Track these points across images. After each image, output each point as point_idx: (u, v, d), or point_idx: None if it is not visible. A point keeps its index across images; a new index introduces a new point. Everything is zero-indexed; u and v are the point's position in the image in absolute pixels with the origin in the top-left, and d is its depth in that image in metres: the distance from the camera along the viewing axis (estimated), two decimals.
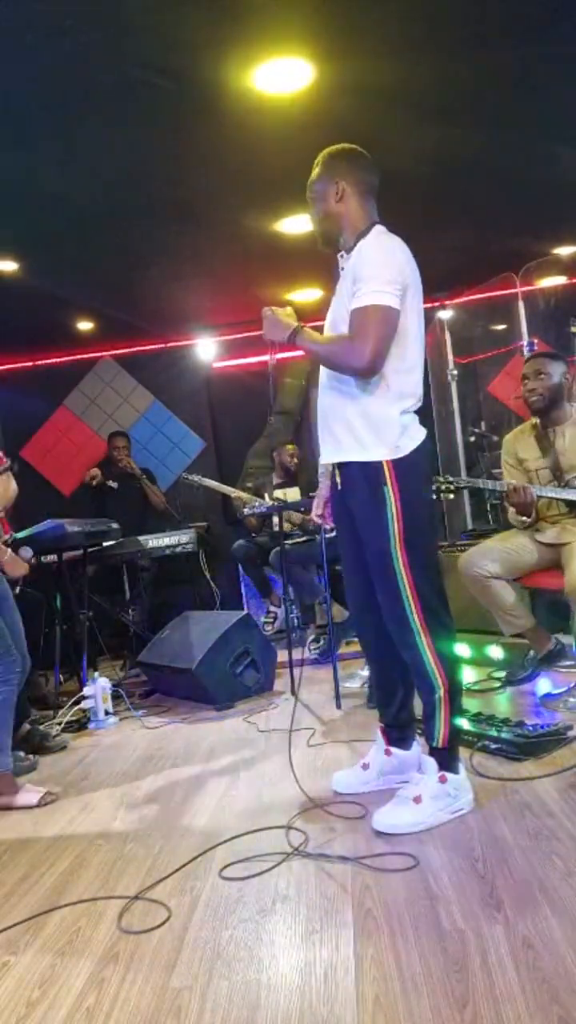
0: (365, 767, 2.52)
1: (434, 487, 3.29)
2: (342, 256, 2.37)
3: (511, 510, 3.39)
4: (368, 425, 2.24)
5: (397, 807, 2.22)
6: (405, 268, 2.28)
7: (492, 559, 3.32)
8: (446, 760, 2.25)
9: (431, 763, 2.26)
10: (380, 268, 2.21)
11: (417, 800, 2.19)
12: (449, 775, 2.23)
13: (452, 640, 2.37)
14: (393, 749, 2.48)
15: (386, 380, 2.23)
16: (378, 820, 2.21)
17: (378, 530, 2.26)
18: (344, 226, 2.38)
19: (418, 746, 2.48)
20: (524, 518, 3.29)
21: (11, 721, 2.92)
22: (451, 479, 3.33)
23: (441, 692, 2.25)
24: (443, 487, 3.29)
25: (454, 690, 2.27)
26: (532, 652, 3.48)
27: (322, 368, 2.37)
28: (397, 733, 2.49)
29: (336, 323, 2.32)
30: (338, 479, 2.37)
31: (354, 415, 2.26)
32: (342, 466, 2.34)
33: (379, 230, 2.36)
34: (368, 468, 2.25)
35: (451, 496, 3.31)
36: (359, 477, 2.28)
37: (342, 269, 2.34)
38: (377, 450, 2.24)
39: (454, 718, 2.26)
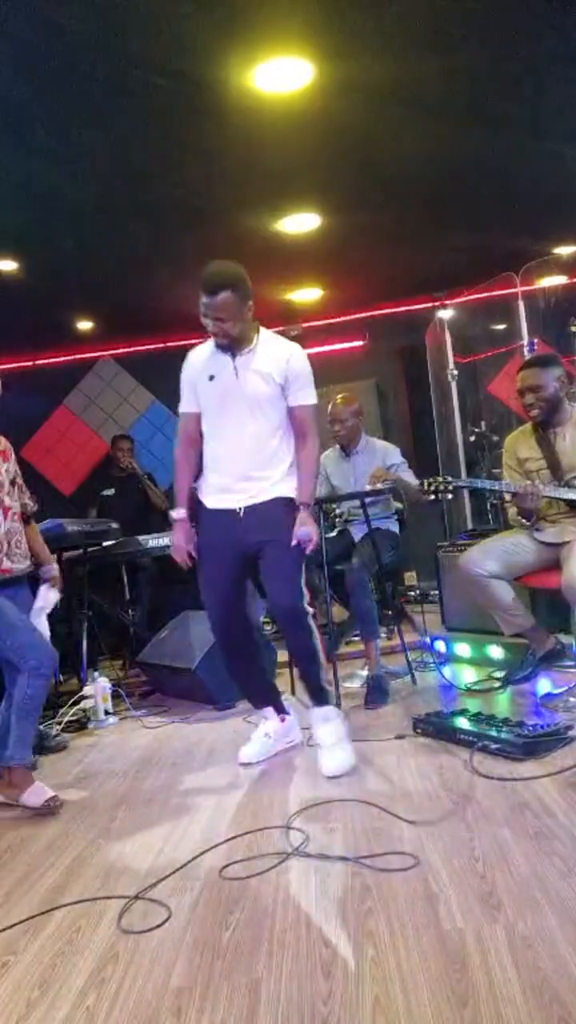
0: (268, 736, 3.05)
1: (431, 487, 3.31)
2: (239, 353, 2.85)
3: (512, 510, 3.38)
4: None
5: (330, 755, 2.77)
6: None
7: (492, 558, 3.31)
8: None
9: (331, 711, 2.90)
10: (310, 374, 2.92)
11: (341, 741, 2.83)
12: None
13: None
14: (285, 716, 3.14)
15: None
16: (330, 768, 2.73)
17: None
18: (247, 330, 2.86)
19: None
20: (524, 519, 3.29)
21: (37, 716, 2.90)
22: (449, 479, 3.33)
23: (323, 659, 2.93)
24: (440, 487, 3.29)
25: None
26: (532, 651, 3.47)
27: (249, 422, 2.86)
28: (279, 703, 3.15)
29: (258, 399, 2.84)
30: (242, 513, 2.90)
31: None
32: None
33: (271, 333, 2.95)
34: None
35: (449, 496, 3.31)
36: (278, 507, 2.89)
37: (236, 356, 2.84)
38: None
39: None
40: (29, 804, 2.72)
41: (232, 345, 2.81)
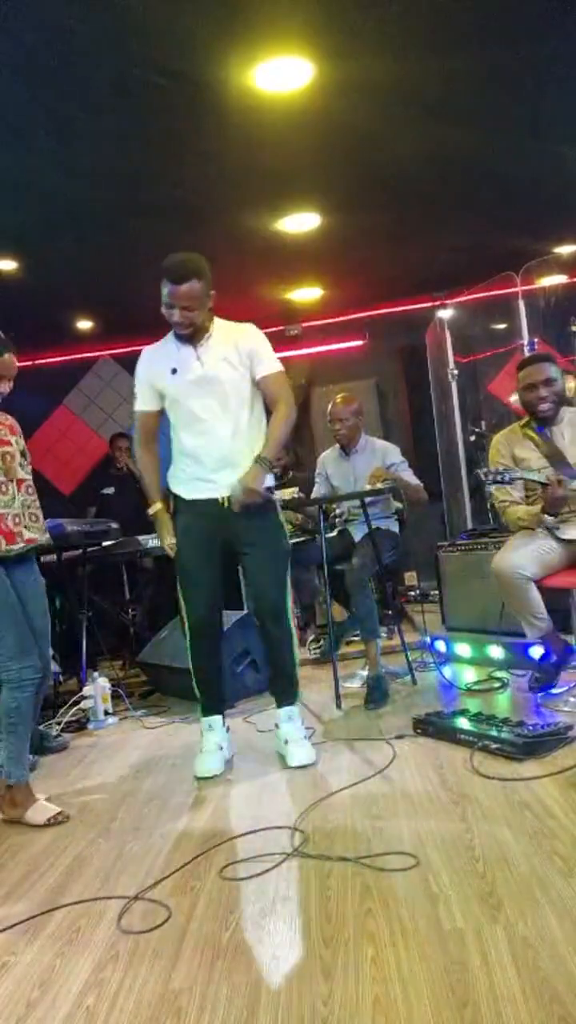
0: (221, 748, 3.01)
1: (487, 478, 3.17)
2: (199, 342, 2.86)
3: (517, 509, 3.27)
4: None
5: (299, 748, 2.91)
6: None
7: (530, 560, 3.16)
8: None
9: (296, 709, 3.04)
10: (268, 343, 2.96)
11: (304, 737, 2.98)
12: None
13: None
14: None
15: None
16: (301, 758, 2.86)
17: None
18: (207, 320, 2.88)
19: None
20: (550, 516, 3.17)
21: (28, 730, 2.74)
22: (501, 471, 3.16)
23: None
24: (495, 478, 3.14)
25: None
26: (551, 656, 3.39)
27: (222, 410, 2.85)
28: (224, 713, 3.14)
29: (227, 384, 2.85)
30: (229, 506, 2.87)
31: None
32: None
33: (223, 321, 2.95)
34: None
35: (508, 486, 3.21)
36: (265, 502, 2.91)
37: (200, 345, 2.85)
38: None
39: None
40: (34, 822, 2.62)
41: (193, 335, 2.83)
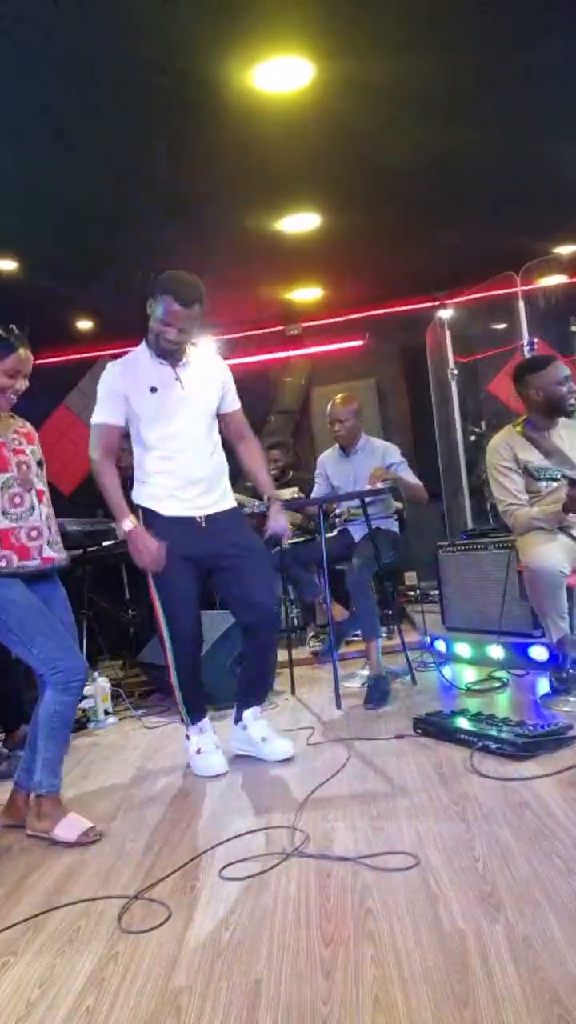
0: (218, 746, 3.01)
1: (541, 475, 2.96)
2: (178, 363, 2.90)
3: (545, 510, 3.16)
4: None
5: (279, 742, 2.97)
6: None
7: (562, 558, 3.09)
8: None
9: (257, 709, 3.07)
10: None
11: (275, 732, 3.04)
12: None
13: None
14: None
15: None
16: (283, 752, 2.93)
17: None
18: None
19: None
20: (572, 515, 3.10)
21: (67, 738, 2.56)
22: (560, 470, 2.97)
23: None
24: (548, 476, 2.95)
25: None
26: (565, 658, 3.36)
27: (200, 432, 2.92)
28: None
29: (206, 409, 2.94)
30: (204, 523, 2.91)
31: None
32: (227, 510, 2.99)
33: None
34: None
35: (555, 485, 3.04)
36: (239, 517, 3.07)
37: (179, 368, 2.90)
38: None
39: None
40: (62, 838, 2.42)
41: (173, 354, 2.86)
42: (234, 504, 3.04)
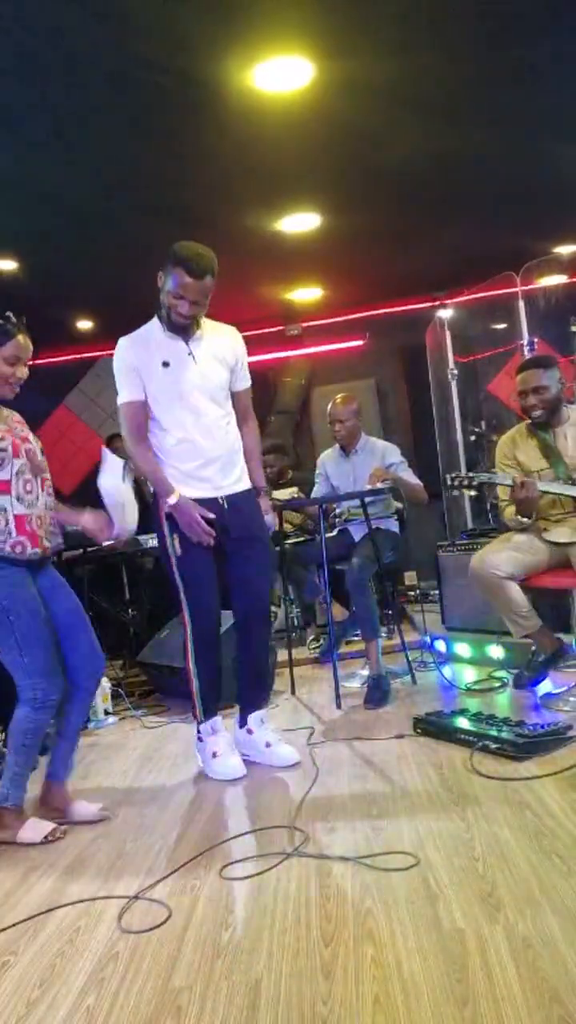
0: (233, 747, 2.96)
1: (455, 482, 3.33)
2: (191, 336, 2.84)
3: (509, 510, 3.33)
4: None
5: (285, 748, 2.91)
6: None
7: (505, 559, 3.24)
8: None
9: (264, 713, 3.01)
10: None
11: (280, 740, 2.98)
12: None
13: None
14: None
15: None
16: (290, 757, 2.86)
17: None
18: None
19: None
20: (524, 518, 3.26)
21: (36, 751, 2.58)
22: (471, 475, 3.34)
23: None
24: (463, 482, 3.30)
25: None
26: (536, 654, 3.43)
27: (214, 409, 2.84)
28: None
29: (218, 385, 2.85)
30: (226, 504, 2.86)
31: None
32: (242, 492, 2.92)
33: (207, 319, 2.92)
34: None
35: (472, 493, 3.32)
36: (254, 500, 2.98)
37: (192, 341, 2.83)
38: None
39: None
40: (27, 841, 2.46)
41: (186, 329, 2.79)
42: (250, 485, 2.96)
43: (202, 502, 2.81)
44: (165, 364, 2.77)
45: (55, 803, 2.63)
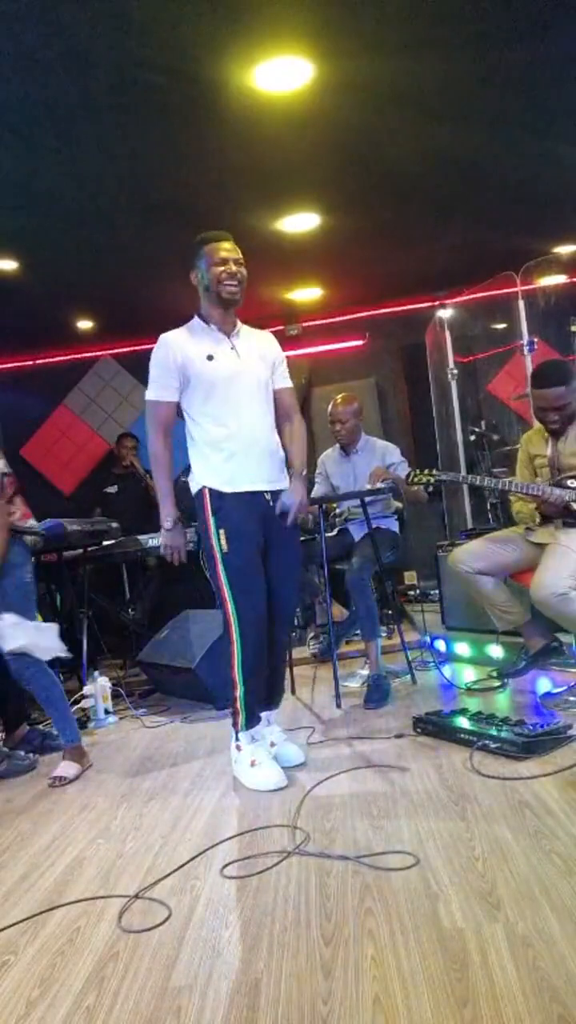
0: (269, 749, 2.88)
1: (416, 479, 3.42)
2: (232, 333, 2.86)
3: (516, 504, 3.42)
4: None
5: (291, 748, 2.90)
6: None
7: (475, 556, 3.36)
8: None
9: (272, 714, 2.96)
10: None
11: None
12: None
13: None
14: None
15: None
16: (298, 757, 2.87)
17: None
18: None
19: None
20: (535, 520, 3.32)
21: (58, 694, 3.13)
22: (434, 472, 3.42)
23: None
24: (424, 480, 3.39)
25: None
26: (526, 649, 3.45)
27: (258, 403, 2.83)
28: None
29: (261, 381, 2.85)
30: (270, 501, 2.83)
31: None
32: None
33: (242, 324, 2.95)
34: None
35: (430, 490, 3.39)
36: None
37: (233, 336, 2.85)
38: None
39: None
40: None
41: (234, 304, 2.83)
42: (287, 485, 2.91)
43: (247, 496, 2.77)
44: (210, 357, 2.77)
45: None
